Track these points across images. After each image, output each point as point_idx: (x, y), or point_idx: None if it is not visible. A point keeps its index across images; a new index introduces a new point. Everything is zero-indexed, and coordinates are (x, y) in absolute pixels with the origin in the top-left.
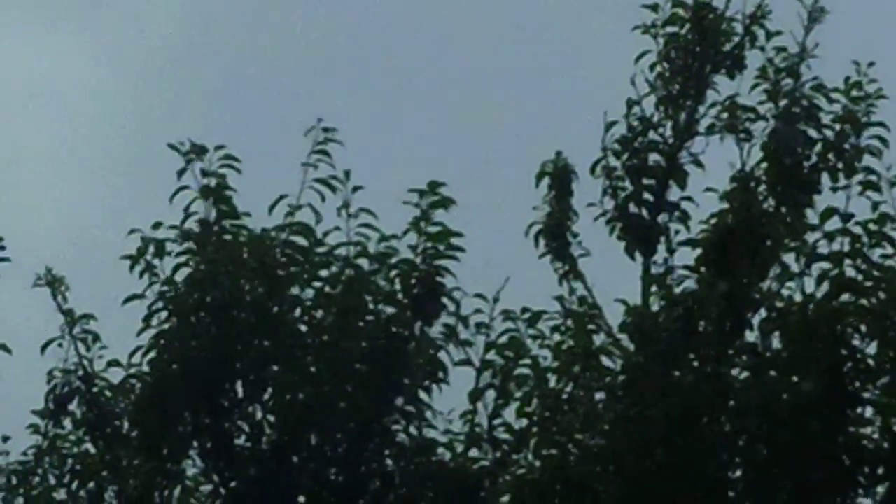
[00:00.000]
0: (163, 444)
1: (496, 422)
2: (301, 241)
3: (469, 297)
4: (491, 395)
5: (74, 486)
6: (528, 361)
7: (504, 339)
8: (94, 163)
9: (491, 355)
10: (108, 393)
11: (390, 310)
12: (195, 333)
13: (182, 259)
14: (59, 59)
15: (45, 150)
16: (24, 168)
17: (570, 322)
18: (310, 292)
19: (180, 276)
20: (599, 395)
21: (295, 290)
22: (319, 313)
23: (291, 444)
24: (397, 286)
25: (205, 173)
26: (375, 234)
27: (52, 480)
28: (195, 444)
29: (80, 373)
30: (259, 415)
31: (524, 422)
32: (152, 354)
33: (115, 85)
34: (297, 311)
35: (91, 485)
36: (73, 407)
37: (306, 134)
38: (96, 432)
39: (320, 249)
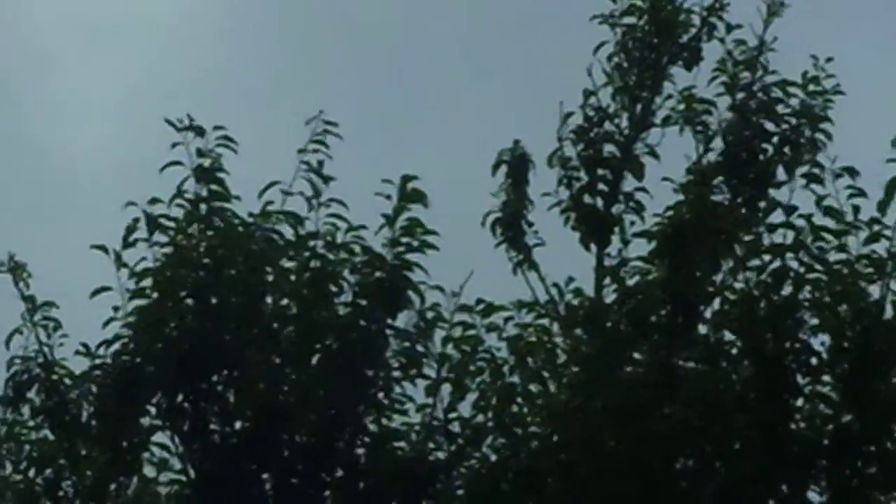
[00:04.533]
0: (122, 437)
1: (452, 415)
2: (286, 229)
3: (430, 289)
4: (447, 388)
5: (32, 472)
6: (485, 356)
7: (460, 332)
8: None
9: (449, 349)
10: (67, 381)
11: (359, 301)
12: (176, 312)
13: (169, 238)
14: None
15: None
16: None
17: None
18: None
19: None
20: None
21: (271, 277)
22: (285, 301)
23: (262, 431)
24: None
25: (200, 153)
26: (344, 224)
27: (9, 467)
28: (168, 425)
29: (40, 360)
30: (232, 399)
31: (480, 416)
32: (124, 341)
33: None
34: (283, 300)
35: (48, 472)
36: (31, 394)
37: (307, 123)
38: (55, 420)
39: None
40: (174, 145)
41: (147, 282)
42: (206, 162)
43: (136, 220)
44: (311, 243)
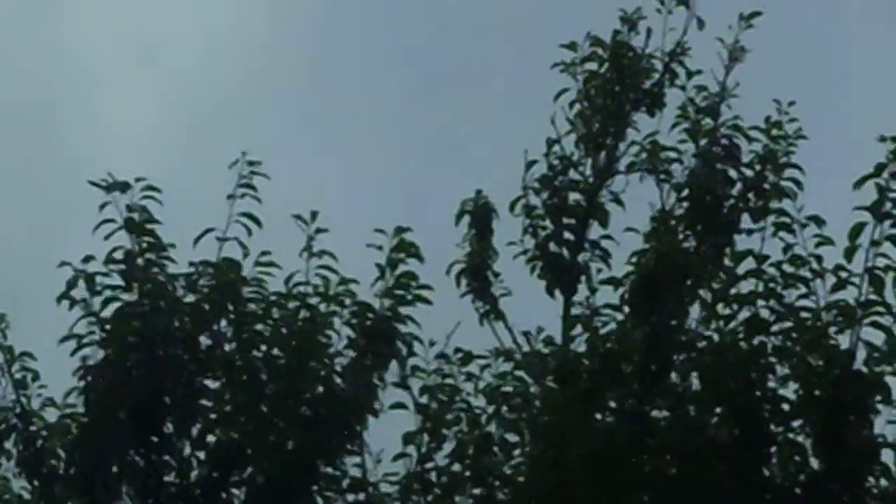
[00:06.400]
0: (94, 486)
1: (428, 465)
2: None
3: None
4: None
5: None
6: (463, 406)
7: (437, 380)
8: None
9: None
10: (44, 432)
11: (346, 351)
12: (124, 367)
13: (111, 293)
14: None
15: None
16: None
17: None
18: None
19: (110, 311)
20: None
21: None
22: (275, 351)
23: (220, 481)
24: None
25: (129, 208)
26: (335, 276)
27: None
28: (124, 482)
29: (18, 410)
30: (188, 450)
31: (457, 466)
32: (82, 395)
33: None
34: (261, 348)
35: None
36: (9, 445)
37: (231, 167)
38: (32, 471)
39: (275, 288)
40: (103, 206)
41: (95, 335)
42: (136, 216)
43: (76, 279)
44: (301, 290)
